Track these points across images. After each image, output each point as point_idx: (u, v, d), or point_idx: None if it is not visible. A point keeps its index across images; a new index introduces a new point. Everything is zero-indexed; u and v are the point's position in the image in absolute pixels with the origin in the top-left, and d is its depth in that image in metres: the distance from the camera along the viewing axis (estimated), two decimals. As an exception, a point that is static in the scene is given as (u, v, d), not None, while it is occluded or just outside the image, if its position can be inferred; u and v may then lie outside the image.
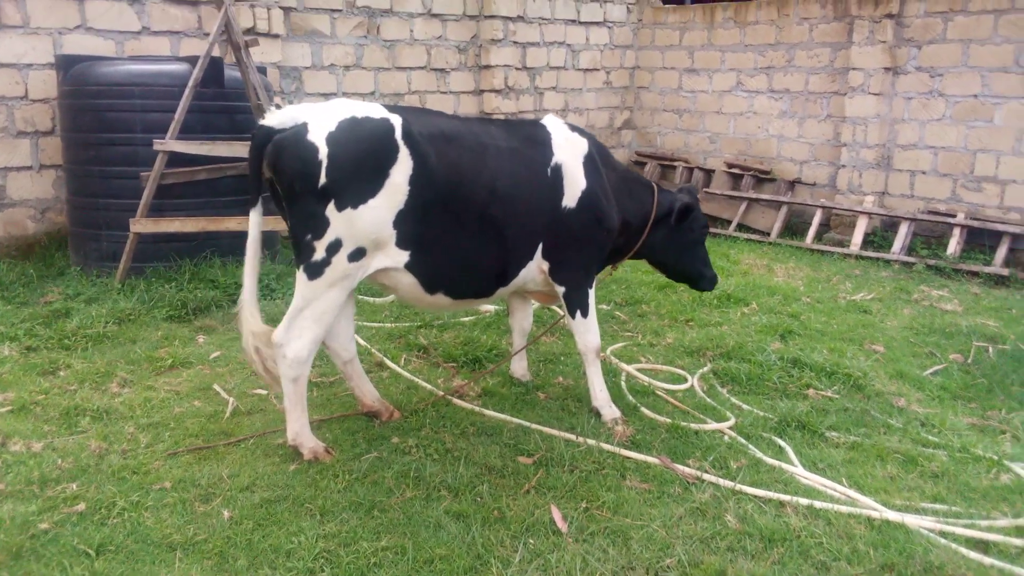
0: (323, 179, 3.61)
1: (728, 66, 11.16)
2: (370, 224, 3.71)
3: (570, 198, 4.24)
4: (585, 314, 4.42)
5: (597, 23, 11.81)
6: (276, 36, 8.68)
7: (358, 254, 3.78)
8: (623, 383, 5.07)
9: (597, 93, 12.06)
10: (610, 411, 4.51)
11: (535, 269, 4.32)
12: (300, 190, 3.66)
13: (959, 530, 3.51)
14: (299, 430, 3.94)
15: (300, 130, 3.63)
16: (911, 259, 8.76)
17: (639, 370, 5.29)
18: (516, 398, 4.78)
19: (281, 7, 8.70)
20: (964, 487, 3.93)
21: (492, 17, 10.42)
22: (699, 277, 4.86)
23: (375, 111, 3.78)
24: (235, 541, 3.27)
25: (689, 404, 4.83)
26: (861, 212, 9.48)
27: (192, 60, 6.82)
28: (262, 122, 3.75)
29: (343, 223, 3.68)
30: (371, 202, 3.69)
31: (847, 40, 9.79)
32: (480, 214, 3.98)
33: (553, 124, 4.38)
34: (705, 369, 5.36)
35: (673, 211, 4.63)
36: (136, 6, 7.73)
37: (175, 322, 5.90)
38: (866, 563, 3.26)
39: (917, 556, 3.30)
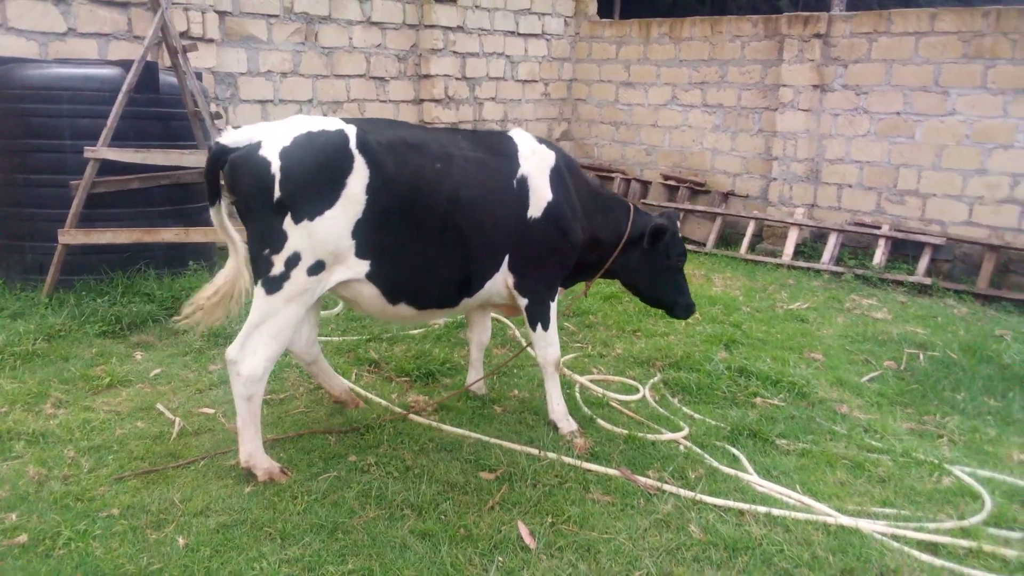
0: (277, 193, 3.59)
1: (663, 80, 11.40)
2: (328, 235, 3.68)
3: (535, 208, 4.22)
4: (546, 327, 4.41)
5: (535, 35, 11.90)
6: (211, 41, 8.43)
7: (317, 267, 3.73)
8: (577, 394, 5.09)
9: (536, 104, 12.14)
10: (567, 424, 4.52)
11: (501, 282, 4.29)
12: (256, 206, 3.64)
13: (910, 533, 3.64)
14: (252, 451, 3.81)
15: (253, 147, 3.63)
16: (840, 269, 9.11)
17: (592, 381, 5.32)
18: (473, 412, 4.74)
19: (216, 11, 8.46)
20: (910, 491, 4.08)
21: (432, 27, 10.38)
22: (672, 304, 4.79)
23: (331, 124, 3.76)
24: (192, 570, 3.13)
25: (643, 415, 4.88)
26: (792, 224, 9.81)
27: (124, 64, 6.56)
28: (218, 140, 3.71)
29: (301, 236, 3.64)
30: (328, 213, 3.66)
31: (777, 58, 10.13)
32: (443, 222, 3.95)
33: (520, 136, 4.37)
34: (656, 379, 5.43)
35: (650, 229, 4.56)
36: (61, 6, 7.39)
37: (109, 338, 5.64)
38: (827, 569, 3.35)
39: (873, 560, 3.40)
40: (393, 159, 3.81)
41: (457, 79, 10.90)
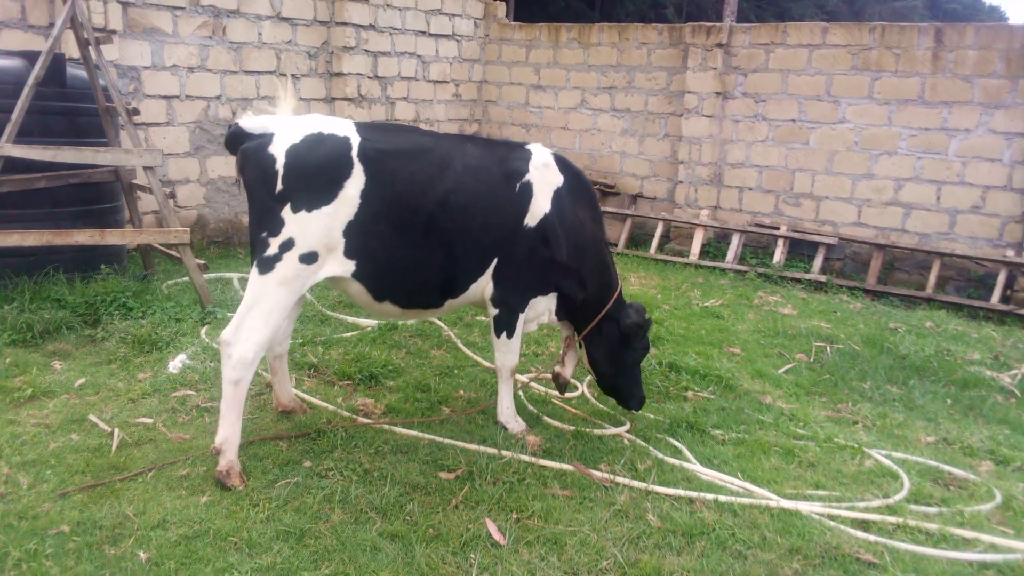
0: (279, 186, 3.83)
1: (573, 84, 11.67)
2: (321, 228, 3.86)
3: (532, 217, 4.31)
4: (510, 336, 4.50)
5: (446, 36, 11.93)
6: (113, 32, 8.02)
7: (310, 257, 3.88)
8: (521, 393, 5.19)
9: (447, 105, 12.17)
10: (516, 424, 4.62)
11: (486, 284, 4.36)
12: (259, 193, 3.89)
13: (843, 512, 3.95)
14: (229, 437, 3.83)
15: (264, 141, 3.86)
16: (743, 267, 9.62)
17: (532, 380, 5.44)
18: (422, 414, 4.76)
19: (119, 1, 8.07)
20: (837, 473, 4.41)
21: (344, 24, 10.23)
22: (628, 396, 4.79)
23: (341, 128, 3.95)
24: (161, 584, 3.03)
25: (584, 411, 5.03)
26: (698, 224, 10.27)
27: (28, 55, 6.18)
28: (239, 122, 3.97)
29: (297, 224, 3.84)
30: (324, 209, 3.87)
31: (682, 66, 10.58)
32: (427, 227, 4.03)
33: (537, 149, 4.45)
34: (592, 376, 5.59)
35: (624, 315, 4.62)
36: (-52, -10, 6.86)
37: (22, 347, 5.29)
38: (776, 549, 3.59)
39: (816, 539, 3.67)
40: (390, 167, 3.97)
41: (369, 78, 10.79)
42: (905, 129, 9.16)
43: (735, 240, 10.02)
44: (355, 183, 3.89)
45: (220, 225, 9.35)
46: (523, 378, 5.44)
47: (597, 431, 4.68)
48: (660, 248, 10.44)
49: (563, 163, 4.54)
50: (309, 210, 3.82)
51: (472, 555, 3.37)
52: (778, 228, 9.98)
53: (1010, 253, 8.64)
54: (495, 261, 4.30)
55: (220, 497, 3.66)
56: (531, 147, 4.47)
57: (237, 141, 3.94)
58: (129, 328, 5.61)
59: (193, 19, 8.82)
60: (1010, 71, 8.53)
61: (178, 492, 3.69)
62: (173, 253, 6.57)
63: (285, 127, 3.88)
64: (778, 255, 9.75)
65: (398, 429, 4.49)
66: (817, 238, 9.58)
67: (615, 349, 4.70)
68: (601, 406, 5.16)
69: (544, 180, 4.37)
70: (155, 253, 7.15)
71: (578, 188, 4.54)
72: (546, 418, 4.83)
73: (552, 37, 11.80)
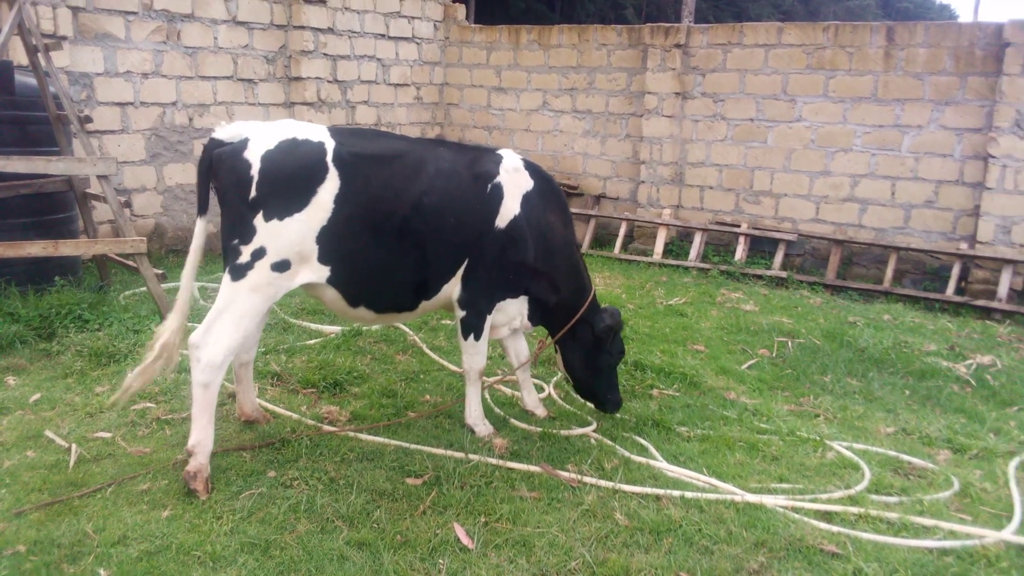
0: (253, 192, 3.82)
1: (534, 86, 11.70)
2: (293, 236, 3.87)
3: (502, 219, 4.34)
4: (477, 338, 4.50)
5: (406, 38, 11.88)
6: (63, 38, 7.85)
7: (282, 266, 3.89)
8: (487, 396, 5.18)
9: (408, 108, 12.12)
10: (484, 427, 4.62)
11: (456, 286, 4.38)
12: (232, 199, 3.88)
13: (807, 505, 4.00)
14: (202, 439, 3.83)
15: (239, 146, 3.87)
16: (706, 265, 9.72)
17: (498, 382, 5.43)
18: (386, 420, 4.73)
19: (68, 6, 7.91)
20: (800, 466, 4.48)
21: (302, 28, 10.14)
22: (604, 400, 4.81)
23: (315, 133, 3.97)
24: (122, 602, 2.96)
25: (551, 411, 5.04)
26: (660, 224, 10.36)
27: (-26, 63, 6.01)
28: (212, 135, 3.97)
29: (268, 233, 3.84)
30: (297, 216, 3.86)
31: (642, 66, 10.67)
32: (400, 230, 4.06)
33: (508, 153, 4.50)
34: (559, 376, 5.61)
35: (598, 320, 4.64)
36: None
37: (-27, 362, 5.15)
38: (742, 543, 3.63)
39: (780, 531, 3.72)
40: (364, 172, 3.98)
41: (329, 82, 10.70)
42: (859, 126, 9.34)
43: (697, 239, 10.12)
44: (329, 188, 3.89)
45: (179, 233, 9.20)
46: (489, 380, 5.43)
47: (564, 431, 4.69)
48: (624, 248, 10.51)
49: (533, 168, 4.58)
50: (281, 218, 3.82)
51: (440, 560, 3.36)
52: (739, 226, 10.10)
53: (963, 246, 8.85)
54: (465, 262, 4.32)
55: (182, 511, 3.60)
56: (502, 151, 4.52)
57: (211, 150, 3.94)
58: (85, 341, 5.49)
59: (146, 24, 8.67)
60: (959, 68, 8.74)
61: (139, 507, 3.62)
62: (130, 263, 6.45)
63: (260, 133, 3.90)
64: (740, 252, 9.87)
65: (364, 436, 4.45)
66: (777, 235, 9.72)
67: (590, 353, 4.72)
68: (567, 406, 5.17)
69: (514, 183, 4.41)
70: (112, 263, 7.00)
71: (548, 193, 4.58)
72: (513, 420, 4.83)
73: (512, 39, 11.82)
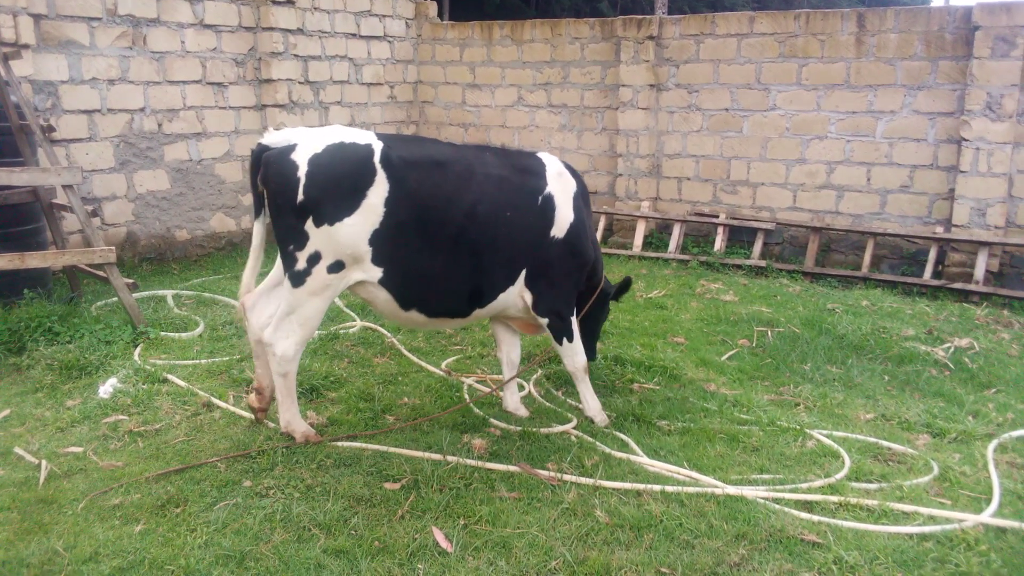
0: (301, 196, 3.90)
1: (509, 82, 11.64)
2: (346, 240, 3.97)
3: (559, 229, 4.44)
4: (570, 340, 4.68)
5: (378, 37, 11.78)
6: (26, 46, 7.70)
7: (337, 266, 4.02)
8: (466, 396, 5.14)
9: (383, 107, 12.03)
10: (603, 417, 4.81)
11: (516, 296, 4.46)
12: (281, 204, 3.96)
13: (787, 495, 3.99)
14: (290, 419, 4.27)
15: (286, 150, 3.95)
16: (686, 257, 9.72)
17: (479, 381, 5.39)
18: (365, 424, 4.68)
19: (30, 14, 7.75)
20: (780, 456, 4.47)
21: (271, 29, 10.02)
22: (594, 348, 5.23)
23: (362, 137, 4.04)
24: (92, 622, 2.90)
25: (531, 409, 5.00)
26: (639, 216, 10.34)
27: (-68, 74, 5.87)
28: (260, 140, 4.06)
29: (321, 238, 3.96)
30: (347, 220, 3.95)
31: (615, 59, 10.64)
32: (455, 237, 4.11)
33: (548, 158, 4.56)
34: (538, 374, 5.59)
35: (607, 285, 5.02)
36: None
37: (-60, 380, 5.05)
38: (723, 536, 3.61)
39: (761, 523, 3.70)
40: (414, 176, 4.02)
41: (300, 83, 10.59)
42: (834, 113, 9.36)
43: (676, 230, 10.12)
44: (378, 191, 3.96)
45: (152, 241, 9.08)
46: (467, 379, 5.40)
47: (544, 429, 4.66)
48: (603, 242, 10.48)
49: (568, 168, 4.69)
50: (332, 222, 3.91)
51: (419, 566, 3.32)
52: (717, 216, 10.11)
53: (939, 229, 8.89)
54: (523, 272, 4.41)
55: (156, 525, 3.53)
56: (541, 155, 4.60)
57: (260, 158, 4.01)
58: (55, 354, 5.39)
59: (111, 30, 8.53)
60: (930, 53, 8.78)
61: (111, 523, 3.55)
62: (100, 273, 6.34)
63: (307, 137, 3.98)
64: (719, 243, 9.87)
65: (340, 443, 4.39)
66: (755, 224, 9.73)
67: (599, 315, 5.12)
68: (548, 404, 5.14)
69: (562, 189, 4.50)
70: (83, 274, 6.89)
71: (583, 188, 4.73)
72: (493, 420, 4.79)
73: (485, 35, 11.75)
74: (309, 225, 3.92)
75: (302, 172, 3.88)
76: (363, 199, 3.93)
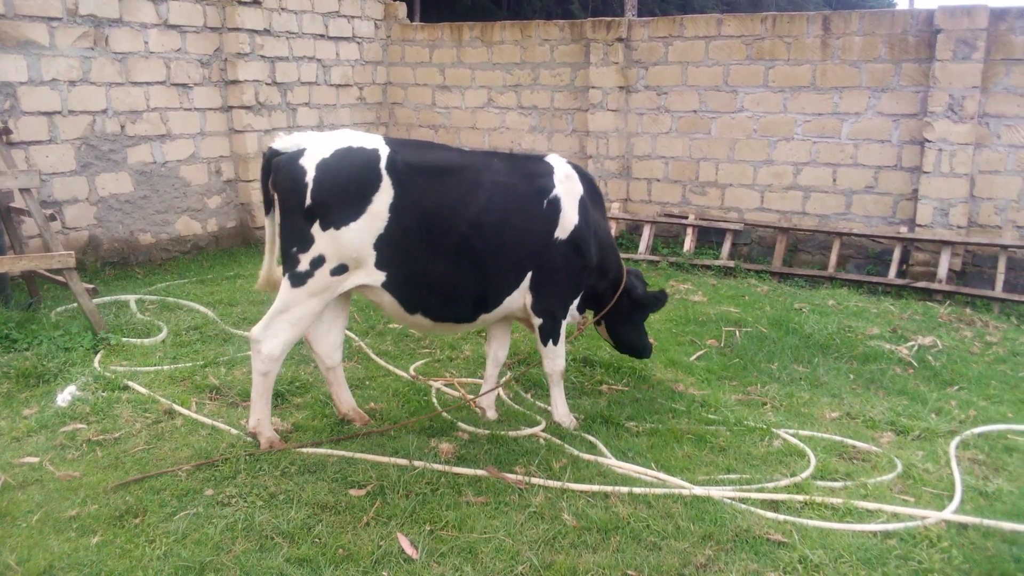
0: (309, 200, 3.96)
1: (479, 83, 11.61)
2: (350, 244, 4.01)
3: (563, 230, 4.46)
4: (556, 343, 4.69)
5: (346, 38, 11.69)
6: (-18, 47, 7.54)
7: (340, 270, 4.07)
8: (435, 400, 5.10)
9: (352, 109, 11.93)
10: (571, 421, 4.82)
11: (520, 298, 4.48)
12: (289, 207, 4.03)
13: (753, 495, 4.01)
14: (261, 420, 4.25)
15: (295, 154, 4.02)
16: (656, 257, 9.76)
17: (447, 385, 5.36)
18: (331, 430, 4.62)
19: (-13, 14, 7.58)
20: (747, 456, 4.49)
21: (237, 30, 9.89)
22: (642, 348, 5.28)
23: (370, 142, 4.09)
24: (45, 637, 2.82)
25: (500, 412, 4.98)
26: (610, 218, 10.35)
27: None
28: (272, 145, 4.13)
29: (327, 241, 4.00)
30: (352, 224, 3.99)
31: (585, 61, 10.65)
32: (459, 245, 4.12)
33: (556, 161, 4.60)
34: (507, 377, 5.55)
35: (632, 287, 5.04)
36: None
37: None
38: (689, 537, 3.61)
39: (728, 523, 3.71)
40: (419, 182, 4.07)
41: (267, 84, 10.47)
42: (800, 115, 9.45)
43: (646, 231, 10.16)
44: (383, 197, 4.00)
45: (115, 245, 8.91)
46: (436, 383, 5.36)
47: (512, 432, 4.63)
48: (574, 243, 10.47)
49: (578, 170, 4.69)
50: (338, 227, 3.96)
51: (384, 573, 3.28)
52: (687, 217, 10.16)
53: (903, 229, 9.01)
54: (529, 274, 4.42)
55: (113, 536, 3.45)
56: (549, 159, 4.60)
57: (270, 159, 4.08)
58: (12, 361, 5.27)
59: (72, 30, 8.37)
60: (893, 55, 8.90)
61: (66, 535, 3.46)
62: (59, 279, 6.21)
63: (316, 142, 4.04)
64: (688, 243, 9.93)
65: (306, 449, 4.33)
66: (724, 225, 9.80)
67: (631, 316, 5.11)
68: (517, 407, 5.11)
69: (569, 192, 4.51)
70: (42, 280, 6.74)
71: (593, 190, 4.75)
72: (461, 424, 4.75)
73: (455, 36, 11.71)
74: (316, 228, 3.98)
75: (310, 177, 3.94)
76: (368, 204, 3.98)
